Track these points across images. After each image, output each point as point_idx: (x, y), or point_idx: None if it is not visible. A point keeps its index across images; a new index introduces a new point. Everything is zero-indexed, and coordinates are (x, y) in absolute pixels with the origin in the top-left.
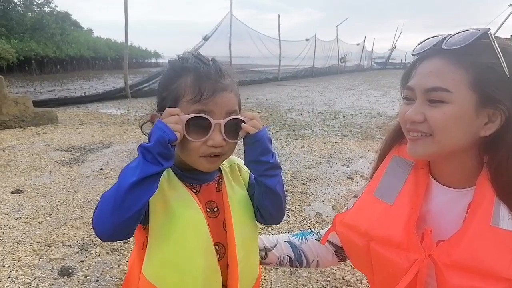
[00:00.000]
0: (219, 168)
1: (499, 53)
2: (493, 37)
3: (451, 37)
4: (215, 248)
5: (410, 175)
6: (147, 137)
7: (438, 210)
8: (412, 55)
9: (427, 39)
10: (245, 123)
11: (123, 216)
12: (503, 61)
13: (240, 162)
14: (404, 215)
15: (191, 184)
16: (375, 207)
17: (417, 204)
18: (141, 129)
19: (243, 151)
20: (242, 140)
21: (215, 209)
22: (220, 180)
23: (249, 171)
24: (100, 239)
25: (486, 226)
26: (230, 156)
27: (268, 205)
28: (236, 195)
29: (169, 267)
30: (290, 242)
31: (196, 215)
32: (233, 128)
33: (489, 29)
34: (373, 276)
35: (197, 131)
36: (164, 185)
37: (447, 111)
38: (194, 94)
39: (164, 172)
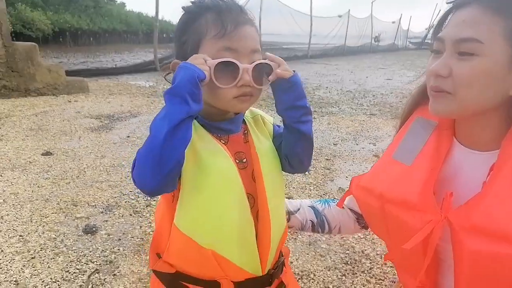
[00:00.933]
0: (243, 119)
1: None
2: None
3: None
4: None
5: (431, 136)
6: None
7: (461, 173)
8: (447, 3)
9: None
10: (272, 68)
11: (164, 170)
12: None
13: (263, 114)
14: (421, 176)
15: (219, 135)
16: (392, 169)
17: (437, 165)
18: (165, 78)
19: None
20: (271, 87)
21: (244, 160)
22: (246, 131)
23: (272, 123)
24: (148, 195)
25: (509, 188)
26: (252, 108)
27: (300, 152)
28: (263, 145)
29: (203, 217)
30: (313, 207)
31: (228, 165)
32: (260, 73)
33: None
34: (390, 241)
35: (225, 75)
36: (193, 136)
37: (476, 66)
38: (218, 29)
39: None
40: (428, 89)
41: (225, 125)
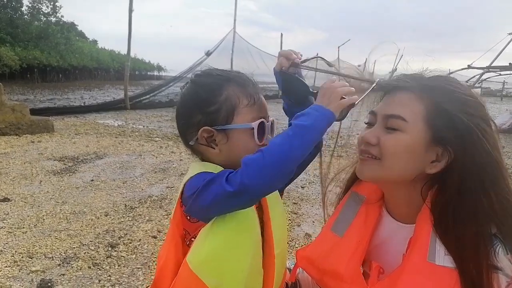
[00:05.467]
0: None
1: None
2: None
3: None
4: None
5: (361, 209)
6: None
7: (390, 243)
8: (375, 90)
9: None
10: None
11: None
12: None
13: None
14: (350, 248)
15: None
16: (328, 241)
17: (365, 237)
18: (190, 148)
19: None
20: None
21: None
22: None
23: None
24: (253, 198)
25: (423, 262)
26: None
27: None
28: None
29: (216, 260)
30: (289, 269)
31: (250, 212)
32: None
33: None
34: None
35: (260, 133)
36: None
37: (399, 139)
38: (248, 100)
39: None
40: (359, 153)
41: None
